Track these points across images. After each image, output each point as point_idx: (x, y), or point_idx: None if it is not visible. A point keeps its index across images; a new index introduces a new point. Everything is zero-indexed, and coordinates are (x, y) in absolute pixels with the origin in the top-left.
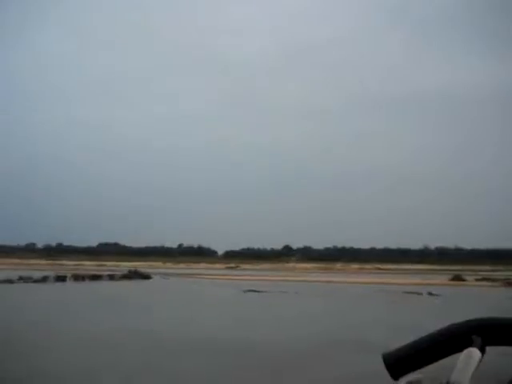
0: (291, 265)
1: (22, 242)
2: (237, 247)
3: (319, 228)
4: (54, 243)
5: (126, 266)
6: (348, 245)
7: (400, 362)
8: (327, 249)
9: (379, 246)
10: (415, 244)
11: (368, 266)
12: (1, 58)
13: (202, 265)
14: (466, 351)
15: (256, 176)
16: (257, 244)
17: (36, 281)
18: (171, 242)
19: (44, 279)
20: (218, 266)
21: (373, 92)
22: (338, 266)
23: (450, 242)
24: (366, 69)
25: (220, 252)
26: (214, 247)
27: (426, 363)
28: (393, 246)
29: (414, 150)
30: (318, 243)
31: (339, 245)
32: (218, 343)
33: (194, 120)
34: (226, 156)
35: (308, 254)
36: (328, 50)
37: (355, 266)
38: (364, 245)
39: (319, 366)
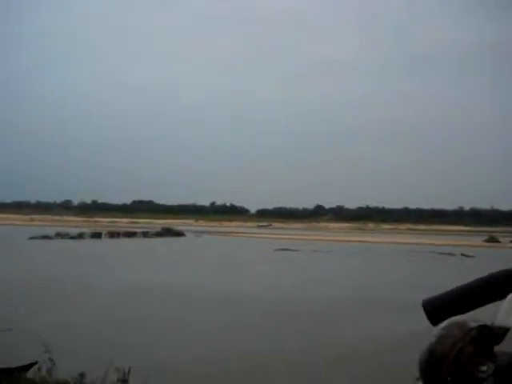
0: (323, 224)
1: (58, 199)
2: (269, 206)
3: (352, 187)
4: (89, 200)
5: (160, 223)
6: (381, 205)
7: (439, 308)
8: (360, 208)
9: (412, 206)
10: (450, 205)
11: (401, 227)
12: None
13: (234, 223)
14: (510, 296)
15: (288, 134)
16: (289, 203)
17: (72, 237)
18: (204, 200)
19: (80, 235)
20: (250, 224)
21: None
22: (371, 225)
23: (485, 203)
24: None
25: (252, 210)
26: (246, 206)
27: (465, 310)
28: (426, 206)
29: (451, 111)
30: (351, 203)
31: (372, 204)
32: (248, 299)
33: (222, 77)
34: (257, 114)
35: (340, 214)
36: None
37: (387, 226)
38: (397, 205)
39: (350, 324)
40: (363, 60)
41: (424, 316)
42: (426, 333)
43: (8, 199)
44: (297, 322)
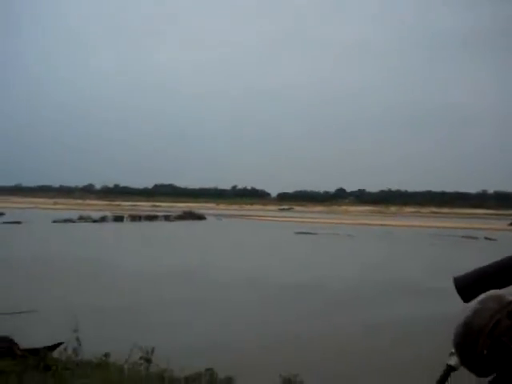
0: (344, 207)
1: (80, 183)
2: (290, 189)
3: (374, 170)
4: (111, 184)
5: (181, 206)
6: (403, 188)
7: (471, 285)
8: (382, 191)
9: (436, 189)
10: (473, 188)
11: (423, 210)
12: None
13: (255, 206)
14: None
15: (311, 118)
16: (310, 186)
17: (95, 220)
18: (225, 184)
19: (102, 219)
20: (270, 207)
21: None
22: (393, 209)
23: (509, 186)
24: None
25: (273, 194)
26: (267, 189)
27: (496, 286)
28: (450, 189)
29: (473, 92)
30: (372, 186)
31: (394, 187)
32: (269, 282)
33: (245, 60)
34: (280, 98)
35: (362, 197)
36: None
37: (410, 209)
38: (420, 188)
39: (369, 307)
40: (385, 42)
41: (448, 300)
42: (449, 317)
43: (32, 183)
44: (319, 305)
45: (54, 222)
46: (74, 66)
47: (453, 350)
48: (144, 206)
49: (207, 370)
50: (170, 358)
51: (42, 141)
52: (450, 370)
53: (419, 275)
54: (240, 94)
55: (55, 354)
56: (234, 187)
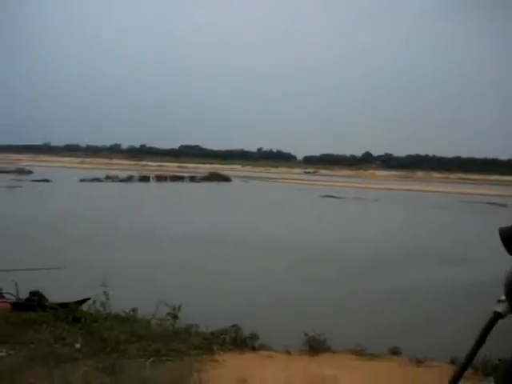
0: (370, 172)
1: (107, 142)
2: (316, 152)
3: (401, 135)
4: (137, 144)
5: (207, 168)
6: (431, 153)
7: None
8: (409, 156)
9: (464, 154)
10: (503, 154)
11: (451, 176)
12: None
13: (281, 169)
14: None
15: (337, 81)
16: (336, 150)
17: (122, 180)
18: (251, 146)
19: (129, 179)
20: (296, 170)
21: None
22: (420, 174)
23: None
24: None
25: (299, 157)
26: (293, 152)
27: None
28: (479, 155)
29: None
30: (400, 150)
31: (422, 152)
32: (293, 244)
33: (277, 23)
34: (307, 60)
35: (388, 162)
36: None
37: (437, 175)
38: (448, 153)
39: (392, 272)
40: None
41: (472, 268)
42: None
43: (60, 143)
44: (343, 268)
45: (82, 180)
46: (105, 23)
47: (502, 298)
48: (170, 167)
49: (233, 326)
50: (197, 315)
51: (69, 101)
52: (497, 317)
53: (444, 242)
54: (268, 57)
55: (84, 308)
56: (260, 149)
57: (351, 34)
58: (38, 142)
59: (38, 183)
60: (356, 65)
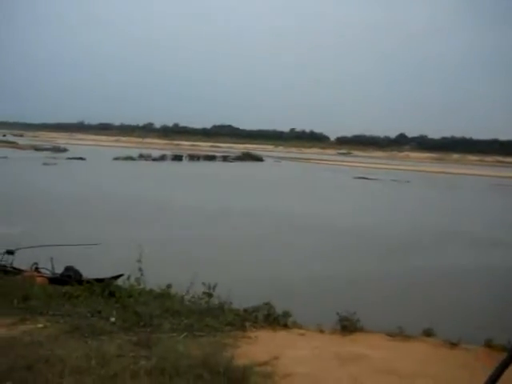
0: (404, 153)
1: (140, 121)
2: (349, 133)
3: (437, 116)
4: (170, 123)
5: (239, 148)
6: (467, 135)
7: None
8: (444, 138)
9: (502, 137)
10: None
11: (488, 159)
12: None
13: (314, 150)
14: None
15: (371, 59)
16: (370, 131)
17: (155, 159)
18: (283, 126)
19: (162, 158)
20: (329, 151)
21: None
22: (455, 156)
23: None
24: None
25: (332, 138)
26: (326, 132)
27: None
28: None
29: None
30: (435, 132)
31: (457, 134)
32: (326, 225)
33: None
34: (339, 37)
35: (423, 143)
36: None
37: (473, 157)
38: (485, 135)
39: (423, 254)
40: None
41: (505, 252)
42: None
43: (94, 121)
44: (374, 249)
45: (116, 159)
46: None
47: None
48: (203, 147)
49: (265, 304)
50: (230, 292)
51: (104, 80)
52: None
53: (477, 225)
54: (301, 33)
55: (119, 283)
56: (293, 129)
57: (386, 13)
58: (73, 120)
59: (72, 161)
60: (390, 45)
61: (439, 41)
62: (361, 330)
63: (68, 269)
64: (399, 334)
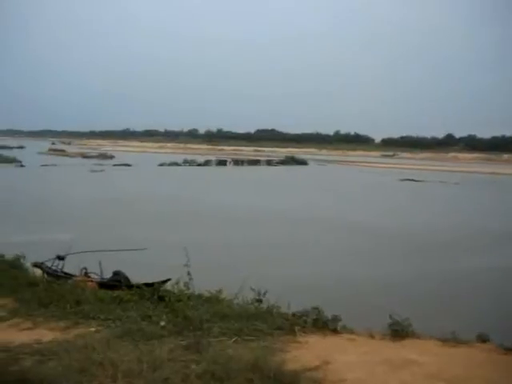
0: (452, 154)
1: (185, 127)
2: (395, 134)
3: (485, 115)
4: (214, 129)
5: (283, 152)
6: None
7: None
8: (494, 138)
9: None
10: None
11: None
12: None
13: (359, 152)
14: None
15: (416, 59)
16: (416, 132)
17: (199, 164)
18: (327, 129)
19: (206, 163)
20: (374, 153)
21: None
22: (505, 157)
23: None
24: None
25: (377, 139)
26: (371, 134)
27: None
28: None
29: None
30: (484, 132)
31: (508, 134)
32: (370, 228)
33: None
34: (385, 36)
35: (472, 144)
36: None
37: None
38: None
39: (479, 258)
40: None
41: None
42: None
43: (139, 128)
44: (421, 251)
45: (161, 164)
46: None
47: None
48: (246, 151)
49: (314, 308)
50: (278, 297)
51: (148, 87)
52: None
53: None
54: (340, 36)
55: (169, 287)
56: (337, 132)
57: (432, 10)
58: (119, 127)
59: (119, 167)
60: (436, 43)
61: (489, 35)
62: (412, 335)
63: (116, 273)
64: (452, 340)
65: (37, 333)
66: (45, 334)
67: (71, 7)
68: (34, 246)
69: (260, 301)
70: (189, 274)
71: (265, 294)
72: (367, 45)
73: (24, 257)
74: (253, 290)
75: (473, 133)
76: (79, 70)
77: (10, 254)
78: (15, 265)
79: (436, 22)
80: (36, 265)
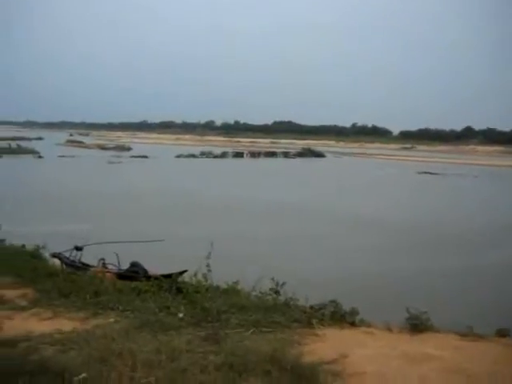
0: (471, 147)
1: (201, 119)
2: (413, 127)
3: (506, 107)
4: (231, 121)
5: (300, 144)
6: None
7: None
8: None
9: None
10: None
11: None
12: None
13: (376, 145)
14: None
15: (434, 51)
16: (435, 124)
17: (216, 156)
18: (345, 121)
19: (223, 155)
20: (392, 146)
21: None
22: None
23: None
24: None
25: (395, 132)
26: (389, 127)
27: None
28: None
29: None
30: (504, 124)
31: None
32: (391, 222)
33: None
34: (402, 29)
35: (491, 137)
36: None
37: None
38: None
39: (498, 251)
40: None
41: None
42: None
43: (157, 120)
44: (436, 245)
45: (178, 156)
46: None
47: None
48: (263, 143)
49: (331, 301)
50: (294, 290)
51: (165, 79)
52: None
53: None
54: (357, 27)
55: (186, 279)
56: (354, 124)
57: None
58: (136, 119)
59: (136, 159)
60: (454, 35)
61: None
62: (430, 329)
63: (134, 264)
64: (470, 334)
65: (57, 322)
66: (65, 324)
67: None
68: (51, 236)
69: (277, 292)
70: (208, 265)
71: (283, 285)
72: (383, 36)
73: (44, 247)
74: (272, 280)
75: (492, 126)
76: (97, 63)
77: (30, 244)
78: (35, 255)
79: (449, 9)
80: (54, 255)
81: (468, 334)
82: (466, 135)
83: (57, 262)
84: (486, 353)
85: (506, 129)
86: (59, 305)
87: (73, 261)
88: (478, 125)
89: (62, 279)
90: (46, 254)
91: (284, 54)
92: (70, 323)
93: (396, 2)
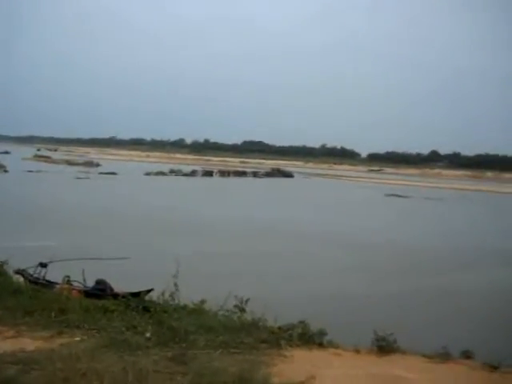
0: (437, 171)
1: (171, 137)
2: (381, 150)
3: (470, 132)
4: (201, 139)
5: (269, 164)
6: (502, 152)
7: None
8: (478, 156)
9: None
10: None
11: None
12: None
13: (345, 166)
14: None
15: (402, 74)
16: (402, 148)
17: (185, 174)
18: (314, 142)
19: (193, 173)
20: (360, 168)
21: None
22: (489, 174)
23: None
24: None
25: (363, 154)
26: (357, 149)
27: None
28: None
29: None
30: (468, 149)
31: (492, 151)
32: (356, 242)
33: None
34: (370, 53)
35: (456, 161)
36: None
37: (509, 175)
38: None
39: (463, 274)
40: None
41: None
42: None
43: (126, 136)
44: (401, 266)
45: (147, 174)
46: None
47: None
48: (233, 162)
49: (300, 322)
50: (263, 309)
51: (136, 96)
52: None
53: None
54: (333, 51)
55: (154, 297)
56: (323, 146)
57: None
58: (105, 135)
59: (104, 175)
60: (422, 59)
61: (475, 55)
62: (398, 350)
63: (99, 282)
64: (437, 356)
65: (21, 341)
66: (29, 343)
67: (65, 14)
68: (15, 252)
69: (243, 309)
70: (175, 285)
71: (247, 301)
72: (354, 60)
73: (7, 263)
74: (235, 297)
75: (457, 150)
76: (66, 79)
77: None
78: None
79: (431, 38)
80: (18, 272)
81: (435, 356)
82: (432, 159)
83: (21, 278)
84: (454, 375)
85: (471, 153)
86: (23, 323)
87: (37, 278)
88: (444, 149)
89: (26, 296)
90: (10, 271)
91: (255, 75)
92: (35, 342)
93: (362, 24)
